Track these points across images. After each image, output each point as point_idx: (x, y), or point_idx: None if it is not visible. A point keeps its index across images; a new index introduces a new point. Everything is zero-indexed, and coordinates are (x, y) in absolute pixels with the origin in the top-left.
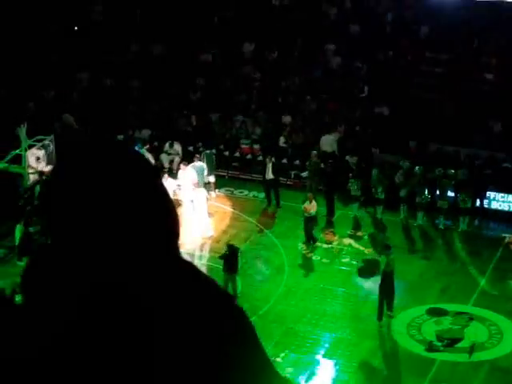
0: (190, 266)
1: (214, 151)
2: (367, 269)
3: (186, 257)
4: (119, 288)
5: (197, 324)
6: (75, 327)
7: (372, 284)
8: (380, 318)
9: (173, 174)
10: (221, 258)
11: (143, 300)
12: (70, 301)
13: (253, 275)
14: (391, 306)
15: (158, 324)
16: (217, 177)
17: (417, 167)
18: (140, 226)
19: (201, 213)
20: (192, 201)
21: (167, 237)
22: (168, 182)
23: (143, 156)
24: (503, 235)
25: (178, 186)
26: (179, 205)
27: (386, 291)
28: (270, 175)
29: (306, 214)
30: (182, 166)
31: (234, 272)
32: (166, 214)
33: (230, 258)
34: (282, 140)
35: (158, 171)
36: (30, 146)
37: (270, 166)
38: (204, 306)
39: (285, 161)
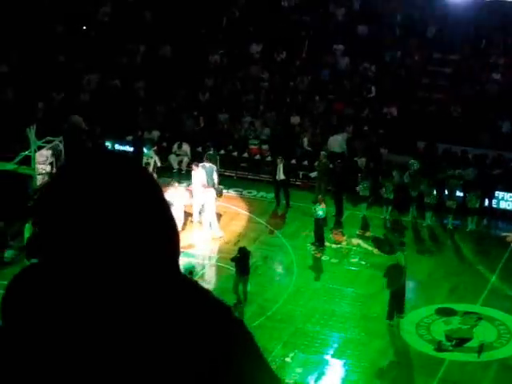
0: (190, 282)
1: (216, 152)
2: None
3: (196, 258)
4: (112, 303)
5: (194, 338)
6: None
7: (381, 283)
8: (391, 316)
9: (181, 175)
10: (232, 260)
11: (137, 314)
12: (54, 321)
13: (262, 275)
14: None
15: (153, 338)
16: (225, 177)
17: (415, 164)
18: (139, 240)
19: (210, 214)
20: (201, 202)
21: (167, 253)
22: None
23: (147, 170)
24: (503, 234)
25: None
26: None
27: (401, 288)
28: (281, 176)
29: (315, 216)
30: (193, 166)
31: (246, 274)
32: (167, 229)
33: (241, 260)
34: (305, 142)
35: (159, 186)
36: (40, 148)
37: (281, 166)
38: (202, 320)
39: (293, 161)
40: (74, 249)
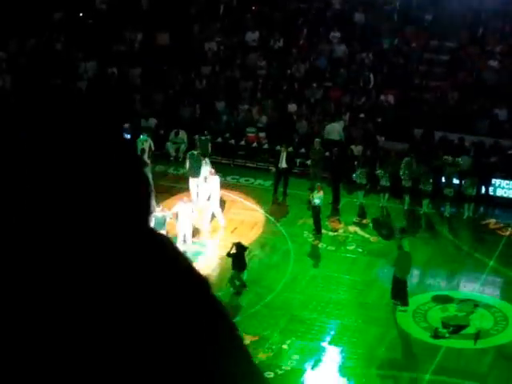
0: (162, 241)
1: (208, 137)
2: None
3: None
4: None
5: (159, 322)
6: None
7: (378, 270)
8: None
9: (179, 162)
10: (228, 256)
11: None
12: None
13: (258, 263)
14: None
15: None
16: (222, 165)
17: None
18: (107, 194)
19: (215, 201)
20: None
21: (137, 208)
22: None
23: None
24: (483, 222)
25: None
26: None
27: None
28: (283, 164)
29: (312, 204)
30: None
31: (243, 269)
32: (138, 185)
33: (237, 256)
34: (303, 128)
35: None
36: None
37: (284, 154)
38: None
39: (290, 149)
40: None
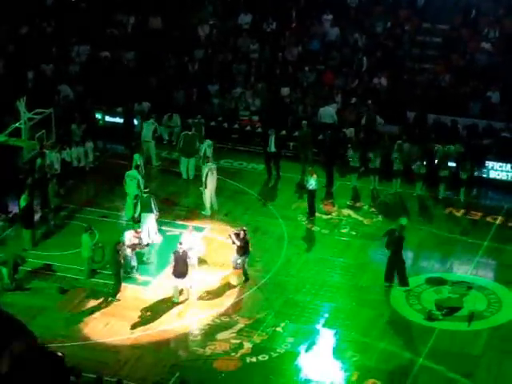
0: None
1: (202, 120)
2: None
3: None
4: None
5: None
6: None
7: (371, 253)
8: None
9: (172, 146)
10: (233, 244)
11: None
12: None
13: (253, 246)
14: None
15: None
16: (216, 149)
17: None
18: None
19: (212, 188)
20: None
21: None
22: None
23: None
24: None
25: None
26: None
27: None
28: (272, 148)
29: (307, 187)
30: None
31: (247, 253)
32: None
33: (246, 243)
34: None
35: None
36: (30, 119)
37: (272, 138)
38: None
39: (284, 132)
40: None
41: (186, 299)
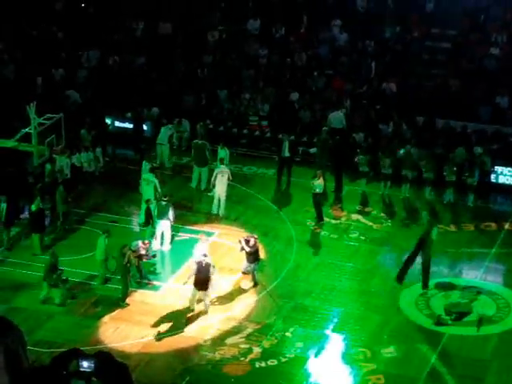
0: None
1: (208, 122)
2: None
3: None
4: None
5: None
6: None
7: (380, 258)
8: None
9: (182, 151)
10: (241, 250)
11: None
12: None
13: (262, 252)
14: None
15: None
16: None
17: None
18: None
19: (220, 191)
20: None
21: None
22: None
23: None
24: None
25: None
26: None
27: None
28: (286, 153)
29: (313, 191)
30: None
31: (257, 260)
32: None
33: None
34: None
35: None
36: (40, 125)
37: (286, 143)
38: None
39: (292, 137)
40: None
41: (206, 311)
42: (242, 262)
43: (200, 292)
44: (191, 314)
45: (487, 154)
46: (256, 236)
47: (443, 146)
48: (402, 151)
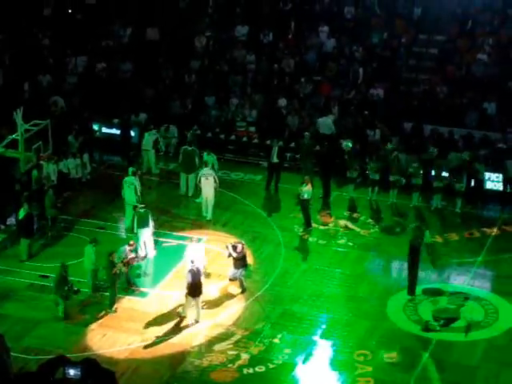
0: None
1: (198, 131)
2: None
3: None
4: None
5: None
6: None
7: (368, 264)
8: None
9: (169, 157)
10: (229, 256)
11: None
12: None
13: (250, 258)
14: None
15: None
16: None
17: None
18: None
19: (206, 194)
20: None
21: None
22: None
23: None
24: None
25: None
26: None
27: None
28: (274, 159)
29: (300, 197)
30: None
31: (245, 267)
32: None
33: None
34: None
35: None
36: (27, 131)
37: (276, 149)
38: None
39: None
40: None
41: (197, 320)
42: (229, 269)
43: (196, 299)
44: (179, 320)
45: (481, 161)
46: (243, 242)
47: (433, 151)
48: (390, 157)
